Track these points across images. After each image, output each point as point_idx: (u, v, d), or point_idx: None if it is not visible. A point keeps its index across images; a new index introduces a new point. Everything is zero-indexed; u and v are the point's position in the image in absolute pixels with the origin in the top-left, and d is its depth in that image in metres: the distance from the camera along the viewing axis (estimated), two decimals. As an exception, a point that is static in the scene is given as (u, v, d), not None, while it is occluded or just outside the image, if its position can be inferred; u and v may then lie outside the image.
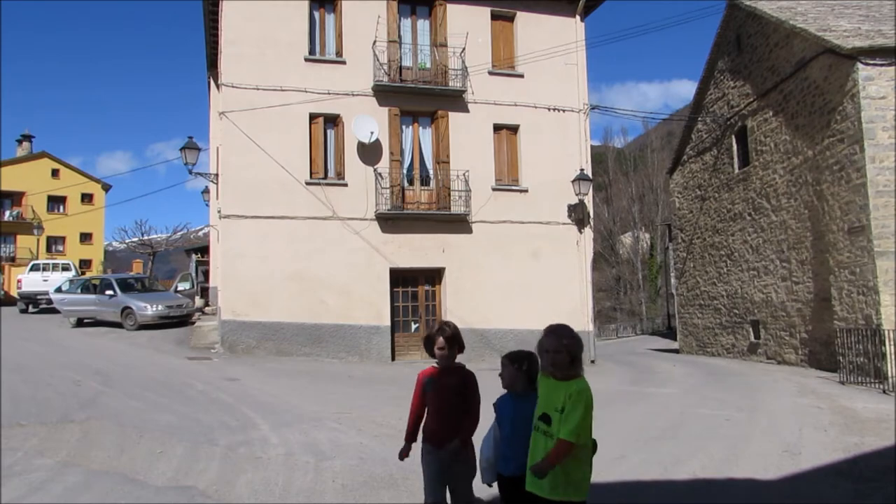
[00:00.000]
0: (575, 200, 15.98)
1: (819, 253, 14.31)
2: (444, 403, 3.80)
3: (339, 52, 15.21)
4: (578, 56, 16.48)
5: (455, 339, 3.85)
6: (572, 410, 3.01)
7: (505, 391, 3.55)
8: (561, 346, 3.12)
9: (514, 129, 16.15)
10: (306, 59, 14.89)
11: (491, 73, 15.92)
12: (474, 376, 3.92)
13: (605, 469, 6.14)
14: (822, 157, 13.96)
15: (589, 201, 16.33)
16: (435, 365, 3.94)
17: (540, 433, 3.14)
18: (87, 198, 43.55)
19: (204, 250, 26.52)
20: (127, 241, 43.02)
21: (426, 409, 3.89)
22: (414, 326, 15.40)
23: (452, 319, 16.17)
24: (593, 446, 3.20)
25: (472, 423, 3.80)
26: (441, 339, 3.81)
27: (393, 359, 14.80)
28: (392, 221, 15.02)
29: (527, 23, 16.40)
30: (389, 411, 8.68)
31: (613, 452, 6.77)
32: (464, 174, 15.27)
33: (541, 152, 16.05)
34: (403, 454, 3.87)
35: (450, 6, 15.78)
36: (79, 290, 18.90)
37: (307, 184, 14.62)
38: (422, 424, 3.92)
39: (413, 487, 5.50)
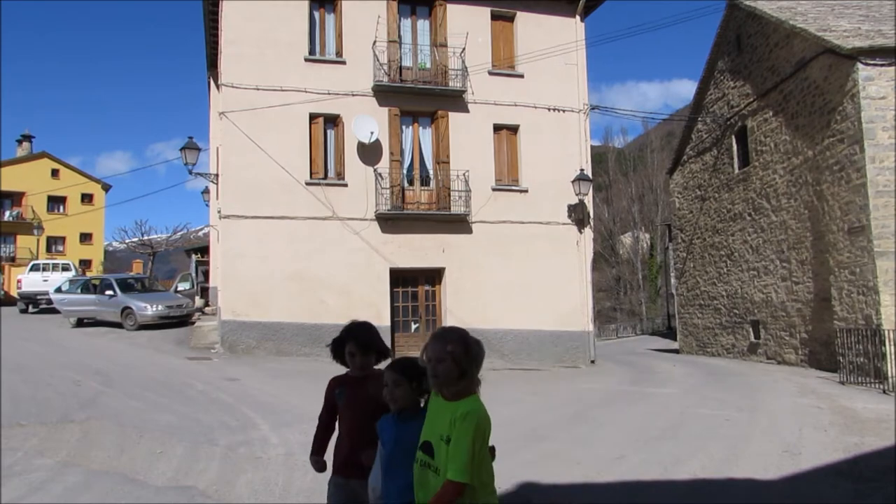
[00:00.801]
0: (575, 200, 15.98)
1: (819, 253, 14.31)
2: (355, 422, 3.09)
3: (339, 52, 15.21)
4: (578, 56, 16.47)
5: (371, 345, 3.15)
6: (460, 440, 2.33)
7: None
8: (444, 354, 2.44)
9: (514, 129, 16.14)
10: (306, 59, 14.89)
11: (491, 73, 15.91)
12: None
13: (605, 469, 6.14)
14: (822, 157, 13.97)
15: (589, 201, 16.33)
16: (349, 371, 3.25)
17: (419, 466, 2.52)
18: (87, 198, 43.56)
19: (204, 250, 26.51)
20: (127, 241, 43.03)
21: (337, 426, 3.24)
22: (414, 326, 15.40)
23: (452, 319, 16.21)
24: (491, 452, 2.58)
25: None
26: (352, 345, 3.12)
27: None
28: (392, 221, 15.02)
29: (527, 23, 16.40)
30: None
31: (613, 452, 6.78)
32: (464, 174, 15.27)
33: (541, 152, 16.05)
34: (319, 467, 3.27)
35: (450, 6, 15.77)
36: (79, 291, 18.90)
37: (307, 184, 14.61)
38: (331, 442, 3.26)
39: (413, 487, 5.49)
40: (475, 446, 2.34)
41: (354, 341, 3.12)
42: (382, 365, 3.03)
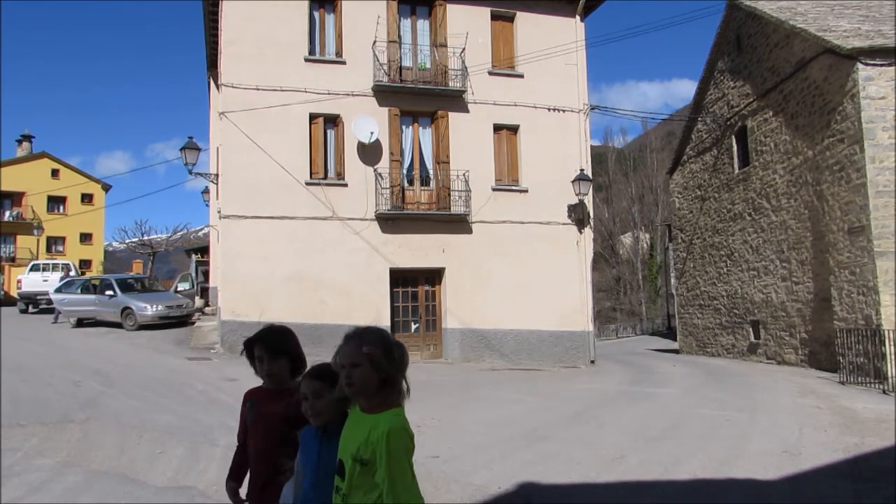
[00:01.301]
0: (575, 200, 15.98)
1: (819, 253, 14.31)
2: (261, 443, 2.70)
3: (339, 52, 15.21)
4: (578, 56, 16.48)
5: (281, 349, 2.72)
6: (398, 463, 1.97)
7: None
8: (360, 358, 2.09)
9: (514, 129, 16.15)
10: (306, 59, 14.89)
11: (491, 74, 15.92)
12: None
13: (605, 469, 6.14)
14: (822, 157, 13.97)
15: (589, 201, 16.33)
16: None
17: (335, 493, 2.15)
18: (86, 198, 43.54)
19: (204, 250, 26.52)
20: (127, 241, 43.03)
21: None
22: (414, 327, 15.40)
23: (453, 319, 16.22)
24: None
25: None
26: (259, 347, 2.71)
27: (393, 359, 14.77)
28: (392, 222, 15.02)
29: (527, 23, 16.40)
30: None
31: (613, 452, 6.78)
32: (464, 174, 15.27)
33: (541, 152, 16.05)
34: (231, 494, 2.89)
35: (450, 6, 15.78)
36: (79, 291, 18.90)
37: (307, 184, 14.62)
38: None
39: (413, 487, 5.49)
40: (408, 467, 2.00)
41: (262, 343, 2.71)
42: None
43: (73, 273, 24.48)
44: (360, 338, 2.15)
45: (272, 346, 2.71)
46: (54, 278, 23.04)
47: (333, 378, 2.22)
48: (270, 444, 2.65)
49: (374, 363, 2.08)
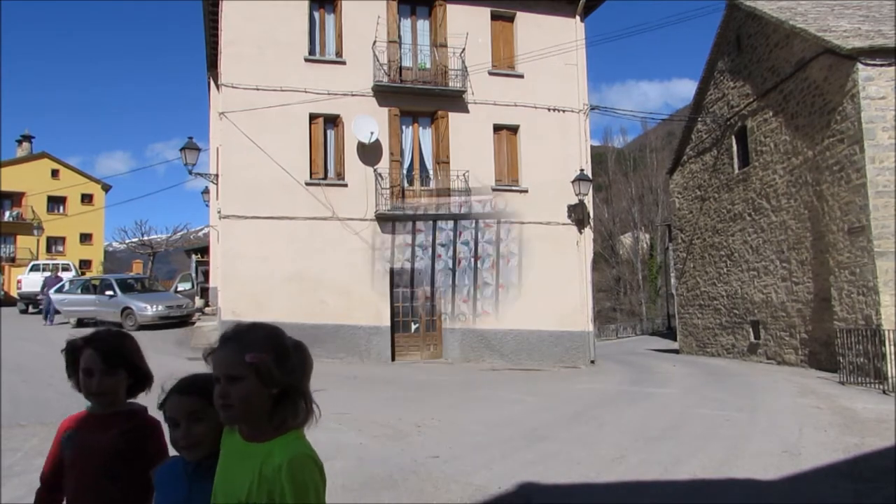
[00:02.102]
0: (575, 200, 15.98)
1: (819, 253, 14.32)
2: (80, 487, 2.01)
3: (339, 53, 15.21)
4: (578, 56, 16.48)
5: (120, 359, 2.09)
6: None
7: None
8: (241, 368, 1.53)
9: (514, 130, 16.15)
10: (306, 60, 14.90)
11: (491, 74, 15.92)
12: (153, 431, 2.15)
13: (605, 469, 6.14)
14: (822, 158, 13.97)
15: (589, 201, 16.32)
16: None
17: None
18: (86, 198, 43.53)
19: (204, 250, 26.52)
20: (127, 241, 43.04)
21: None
22: (414, 327, 15.39)
23: (453, 319, 16.09)
24: None
25: None
26: (89, 354, 2.05)
27: (393, 359, 14.79)
28: (392, 222, 15.02)
29: (527, 23, 16.41)
30: (389, 412, 8.69)
31: (613, 452, 6.77)
32: (464, 174, 15.27)
33: (541, 152, 16.05)
34: None
35: (450, 6, 15.78)
36: (79, 291, 18.92)
37: (307, 184, 14.62)
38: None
39: (413, 488, 5.50)
40: None
41: (94, 350, 2.04)
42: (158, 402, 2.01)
43: (71, 273, 24.44)
44: (241, 340, 1.56)
45: (109, 355, 2.05)
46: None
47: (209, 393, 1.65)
48: (93, 485, 1.99)
49: (263, 375, 1.51)
